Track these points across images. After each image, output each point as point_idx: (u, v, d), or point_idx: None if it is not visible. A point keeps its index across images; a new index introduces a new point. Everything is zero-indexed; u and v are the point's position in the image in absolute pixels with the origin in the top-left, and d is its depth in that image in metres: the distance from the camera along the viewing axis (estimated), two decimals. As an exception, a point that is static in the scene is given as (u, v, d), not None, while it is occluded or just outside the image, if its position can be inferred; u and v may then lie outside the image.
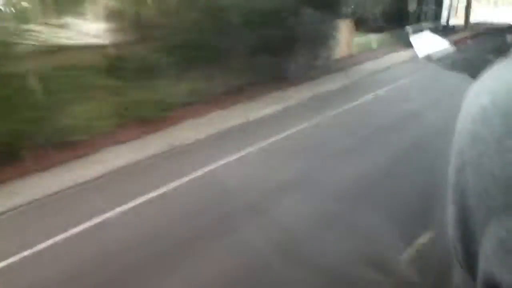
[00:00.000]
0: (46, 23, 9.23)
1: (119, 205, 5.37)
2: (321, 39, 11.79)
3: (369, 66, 12.97)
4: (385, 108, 9.14)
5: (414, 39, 14.02)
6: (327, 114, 8.65)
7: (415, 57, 13.40)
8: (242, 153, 6.88)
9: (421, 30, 15.60)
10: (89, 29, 9.39)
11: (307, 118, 8.30)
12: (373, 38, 15.64)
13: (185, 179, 6.05)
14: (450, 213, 0.42)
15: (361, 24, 15.33)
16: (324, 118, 8.44)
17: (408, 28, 15.50)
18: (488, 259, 0.36)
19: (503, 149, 0.34)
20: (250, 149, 7.00)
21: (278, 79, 10.41)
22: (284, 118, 8.62)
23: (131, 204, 5.41)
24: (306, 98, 9.85)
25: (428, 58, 13.14)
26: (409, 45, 13.99)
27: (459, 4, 20.15)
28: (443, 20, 19.07)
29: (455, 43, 15.07)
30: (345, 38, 14.11)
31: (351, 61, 13.48)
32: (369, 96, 9.88)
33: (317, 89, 10.40)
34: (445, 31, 17.44)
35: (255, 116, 8.67)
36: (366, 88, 10.57)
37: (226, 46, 9.29)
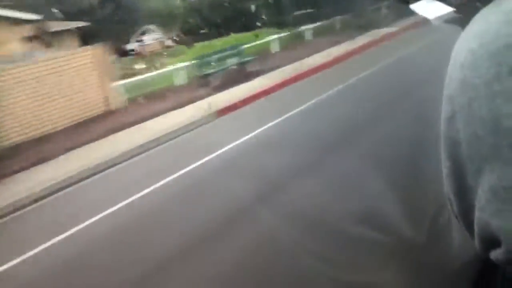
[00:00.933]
0: None
1: None
2: None
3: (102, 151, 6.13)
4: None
5: (414, 6, 13.54)
6: None
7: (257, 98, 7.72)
8: None
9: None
10: None
11: None
12: (179, 69, 9.81)
13: None
14: (444, 167, 0.42)
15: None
16: None
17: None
18: (483, 209, 0.36)
19: (492, 93, 0.33)
20: None
21: None
22: None
23: None
24: None
25: (429, 23, 12.65)
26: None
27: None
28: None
29: (457, 5, 14.85)
30: (85, 84, 8.60)
31: (70, 140, 6.44)
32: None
33: None
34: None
35: None
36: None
37: None
